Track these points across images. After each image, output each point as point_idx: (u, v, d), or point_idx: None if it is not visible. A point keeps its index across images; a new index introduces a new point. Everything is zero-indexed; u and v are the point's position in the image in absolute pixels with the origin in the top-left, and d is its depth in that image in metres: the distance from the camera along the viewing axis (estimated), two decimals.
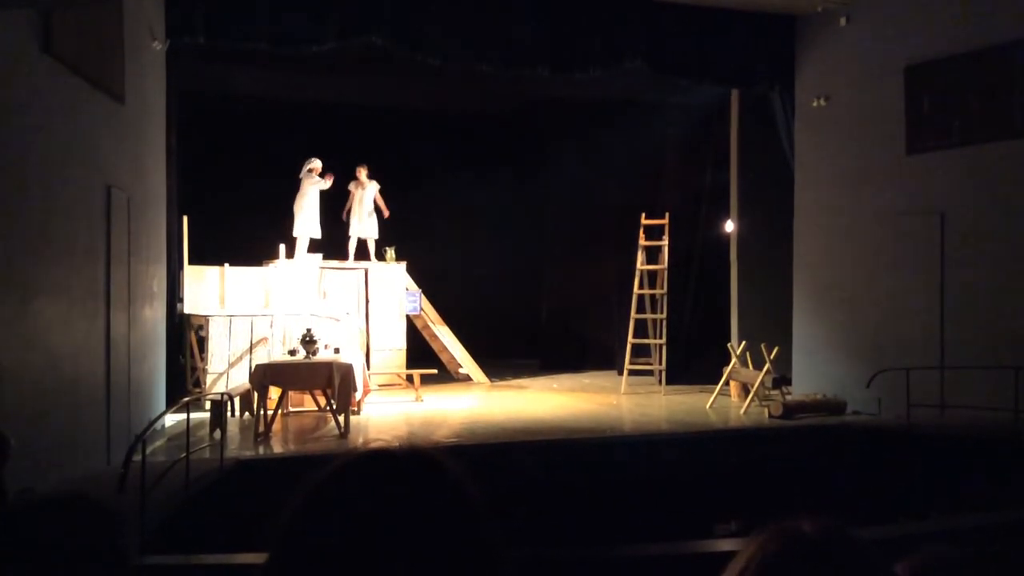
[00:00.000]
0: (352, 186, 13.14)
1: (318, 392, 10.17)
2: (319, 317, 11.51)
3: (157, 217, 9.54)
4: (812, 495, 7.52)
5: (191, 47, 9.86)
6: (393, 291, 13.33)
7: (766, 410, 10.43)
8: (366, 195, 13.09)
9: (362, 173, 13.15)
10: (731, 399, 11.47)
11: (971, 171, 9.77)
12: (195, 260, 11.66)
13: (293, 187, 12.72)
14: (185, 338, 11.29)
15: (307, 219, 12.54)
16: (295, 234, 12.57)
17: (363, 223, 13.09)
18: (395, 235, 13.57)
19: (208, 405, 9.35)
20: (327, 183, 12.63)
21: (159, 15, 9.39)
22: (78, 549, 1.20)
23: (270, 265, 12.45)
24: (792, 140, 11.90)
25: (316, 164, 12.62)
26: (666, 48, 11.26)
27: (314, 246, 12.78)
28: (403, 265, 13.47)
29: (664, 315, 12.85)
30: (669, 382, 12.65)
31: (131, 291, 8.20)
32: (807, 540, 1.05)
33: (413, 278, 13.62)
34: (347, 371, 9.33)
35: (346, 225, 13.14)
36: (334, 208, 13.11)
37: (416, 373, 12.17)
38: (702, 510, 7.67)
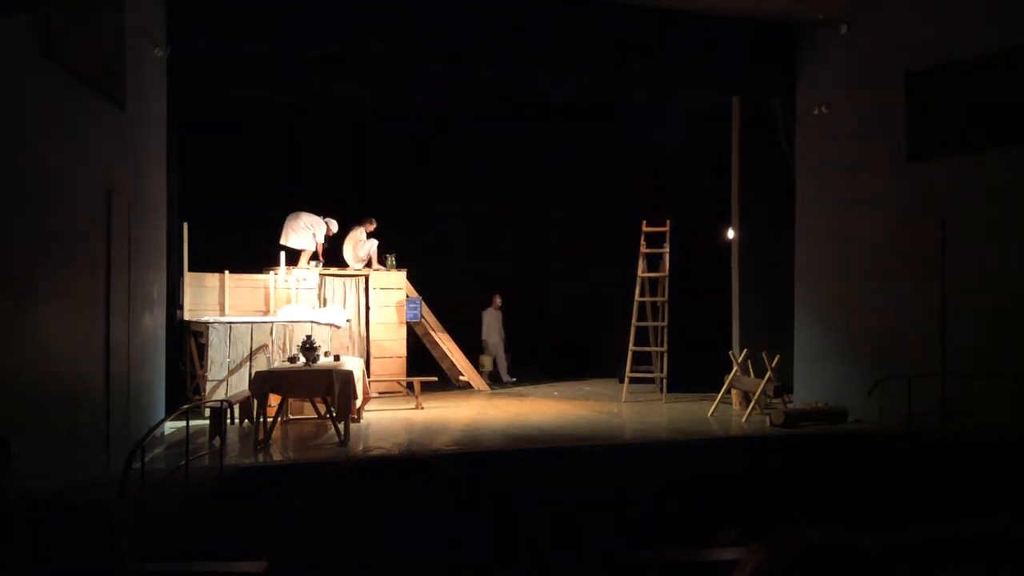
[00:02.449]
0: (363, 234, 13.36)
1: (318, 399, 10.15)
2: (319, 324, 11.51)
3: (157, 223, 9.53)
4: (814, 503, 7.50)
5: (192, 53, 9.87)
6: (393, 298, 13.34)
7: (767, 418, 10.41)
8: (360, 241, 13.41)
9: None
10: (732, 407, 11.46)
11: (973, 178, 9.76)
12: (195, 267, 11.65)
13: (294, 193, 12.74)
14: (185, 345, 11.29)
15: (305, 237, 12.73)
16: (299, 246, 12.64)
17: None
18: (396, 242, 13.58)
19: (208, 412, 9.35)
20: (320, 245, 12.85)
21: (160, 21, 9.40)
22: (73, 554, 1.19)
23: (271, 272, 12.46)
24: (793, 147, 11.90)
25: (335, 228, 12.98)
26: (666, 55, 11.28)
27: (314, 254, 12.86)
28: (403, 273, 13.47)
29: (665, 323, 12.84)
30: (670, 390, 12.64)
31: (131, 297, 8.19)
32: (811, 549, 1.04)
33: (413, 285, 13.62)
34: (347, 378, 9.30)
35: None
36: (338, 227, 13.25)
37: (416, 380, 12.16)
38: (703, 518, 7.64)
